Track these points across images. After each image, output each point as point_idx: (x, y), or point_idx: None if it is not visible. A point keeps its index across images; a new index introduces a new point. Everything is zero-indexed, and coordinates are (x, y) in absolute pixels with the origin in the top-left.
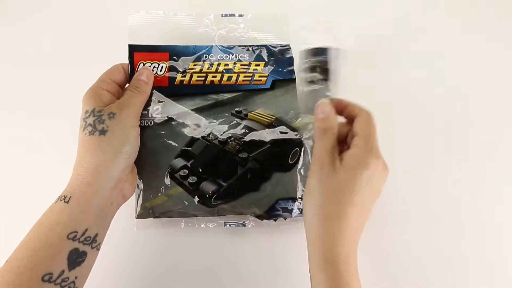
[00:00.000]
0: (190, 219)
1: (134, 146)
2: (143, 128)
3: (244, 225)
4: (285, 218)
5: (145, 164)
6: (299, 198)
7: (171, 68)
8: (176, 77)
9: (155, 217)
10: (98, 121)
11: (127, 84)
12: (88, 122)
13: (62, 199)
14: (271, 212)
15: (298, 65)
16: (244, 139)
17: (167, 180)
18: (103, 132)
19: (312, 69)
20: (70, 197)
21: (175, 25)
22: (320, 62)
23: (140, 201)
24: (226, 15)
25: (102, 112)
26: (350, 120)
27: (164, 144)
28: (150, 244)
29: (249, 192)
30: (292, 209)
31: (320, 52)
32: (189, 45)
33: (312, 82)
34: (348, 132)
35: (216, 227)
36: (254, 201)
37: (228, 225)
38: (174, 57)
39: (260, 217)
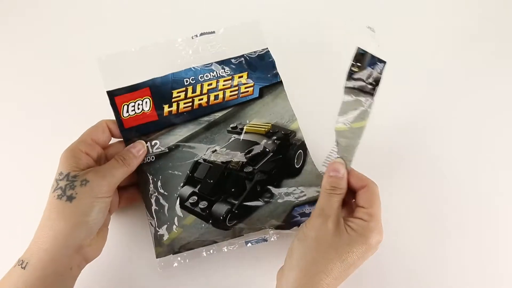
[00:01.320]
0: (210, 246)
1: (99, 217)
2: (146, 165)
3: (266, 240)
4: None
5: (153, 200)
6: None
7: (156, 102)
8: (163, 109)
9: (174, 252)
10: (69, 186)
11: (112, 139)
12: (60, 185)
13: (20, 264)
14: (290, 220)
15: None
16: (247, 153)
17: (179, 211)
18: (70, 198)
19: (366, 79)
20: (27, 262)
21: (148, 58)
22: (374, 76)
23: (157, 240)
24: (196, 36)
25: (76, 178)
26: (354, 187)
27: (168, 175)
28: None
29: (262, 205)
30: (311, 212)
31: (375, 62)
32: (167, 74)
33: (359, 91)
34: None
35: (238, 248)
36: (269, 213)
37: (249, 244)
38: (156, 90)
39: (279, 227)
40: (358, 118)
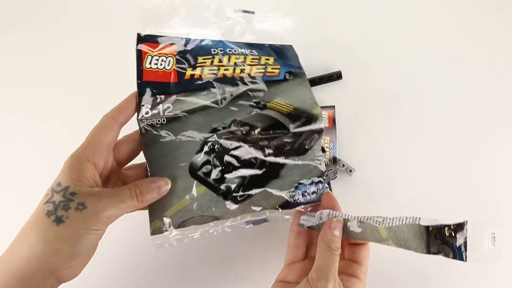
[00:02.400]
0: (211, 226)
1: (85, 249)
2: (154, 127)
3: (268, 221)
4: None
5: (160, 167)
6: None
7: (179, 62)
8: (185, 72)
9: (175, 228)
10: (62, 205)
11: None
12: (53, 199)
13: None
14: (294, 198)
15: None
16: (267, 128)
17: (189, 180)
18: (58, 220)
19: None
20: None
21: (185, 16)
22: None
23: (157, 213)
24: (239, 10)
25: (74, 197)
26: (354, 242)
27: (179, 142)
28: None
29: (271, 180)
30: (311, 191)
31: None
32: (197, 39)
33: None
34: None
35: (238, 228)
36: (276, 187)
37: (250, 224)
38: (183, 50)
39: (283, 206)
40: (403, 241)
